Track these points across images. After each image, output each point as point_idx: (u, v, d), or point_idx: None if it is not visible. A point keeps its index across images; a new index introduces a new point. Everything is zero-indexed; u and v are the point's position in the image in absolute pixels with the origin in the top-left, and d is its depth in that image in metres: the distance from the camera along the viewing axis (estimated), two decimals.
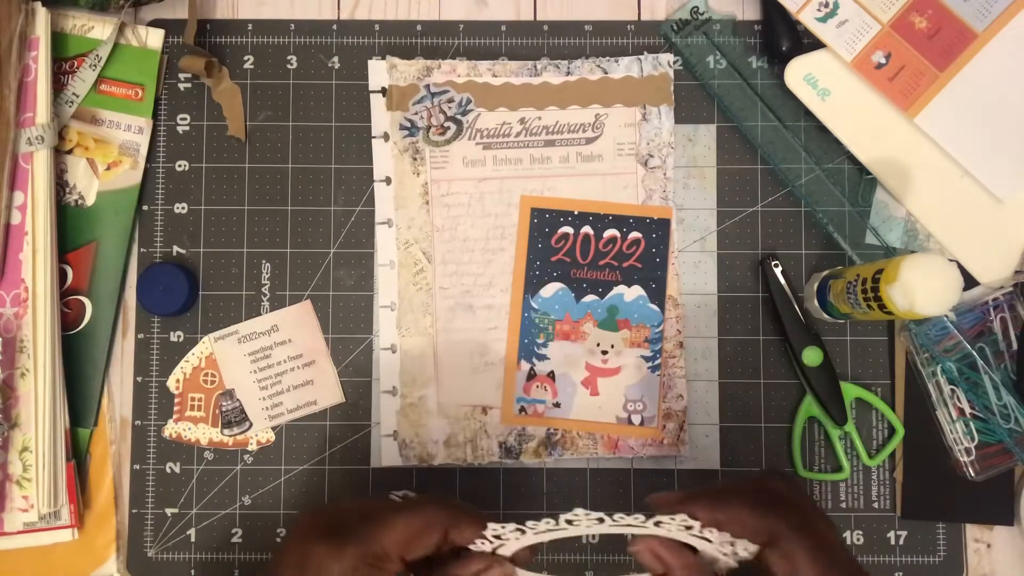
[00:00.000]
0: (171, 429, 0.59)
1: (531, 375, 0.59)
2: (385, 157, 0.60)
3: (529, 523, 0.42)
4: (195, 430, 0.59)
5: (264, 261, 0.61)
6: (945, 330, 0.57)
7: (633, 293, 0.59)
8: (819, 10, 0.59)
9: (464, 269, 0.60)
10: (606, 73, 0.60)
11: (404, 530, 0.42)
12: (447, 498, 0.49)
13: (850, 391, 0.59)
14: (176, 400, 0.60)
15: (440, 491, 0.59)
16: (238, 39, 0.62)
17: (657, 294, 0.59)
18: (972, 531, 0.59)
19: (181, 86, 0.62)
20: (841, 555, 0.42)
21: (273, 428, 0.59)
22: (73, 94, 0.59)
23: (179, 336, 0.60)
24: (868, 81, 0.58)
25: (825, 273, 0.58)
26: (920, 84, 0.57)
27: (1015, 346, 0.57)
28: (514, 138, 0.60)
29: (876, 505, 0.59)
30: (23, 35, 0.57)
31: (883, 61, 0.58)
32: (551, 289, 0.60)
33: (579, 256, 0.60)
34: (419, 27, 0.62)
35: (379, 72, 0.61)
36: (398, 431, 0.59)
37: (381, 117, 0.60)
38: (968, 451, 0.57)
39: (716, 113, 0.61)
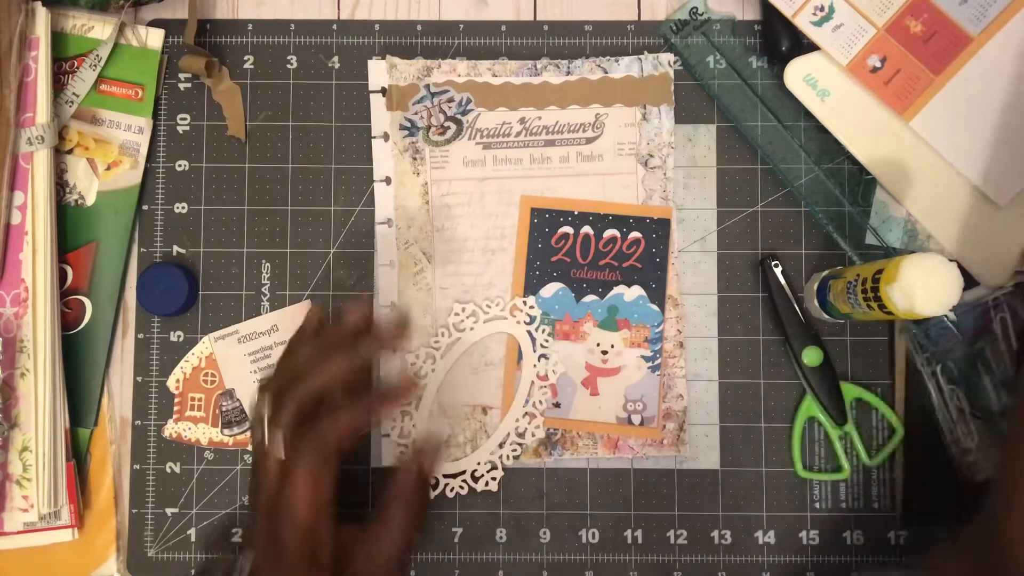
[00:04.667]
0: (171, 429, 0.59)
1: None
2: (385, 157, 0.60)
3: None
4: (195, 430, 0.59)
5: (264, 261, 0.61)
6: (945, 330, 0.57)
7: (633, 293, 0.59)
8: (814, 14, 0.59)
9: (464, 269, 0.60)
10: (606, 73, 0.60)
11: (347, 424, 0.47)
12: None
13: (850, 391, 0.59)
14: (176, 400, 0.60)
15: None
16: (238, 39, 0.62)
17: (657, 294, 0.59)
18: None
19: (181, 86, 0.62)
20: None
21: None
22: (73, 94, 0.59)
23: (179, 336, 0.60)
24: (864, 85, 0.58)
25: (825, 273, 0.58)
26: (915, 88, 0.58)
27: (1015, 346, 0.57)
28: (514, 138, 0.60)
29: (876, 505, 0.59)
30: (23, 35, 0.57)
31: (878, 65, 0.58)
32: (551, 289, 0.60)
33: (579, 256, 0.60)
34: (419, 27, 0.62)
35: (379, 72, 0.61)
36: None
37: (381, 117, 0.61)
38: (968, 451, 0.57)
39: (716, 113, 0.61)
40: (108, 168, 0.60)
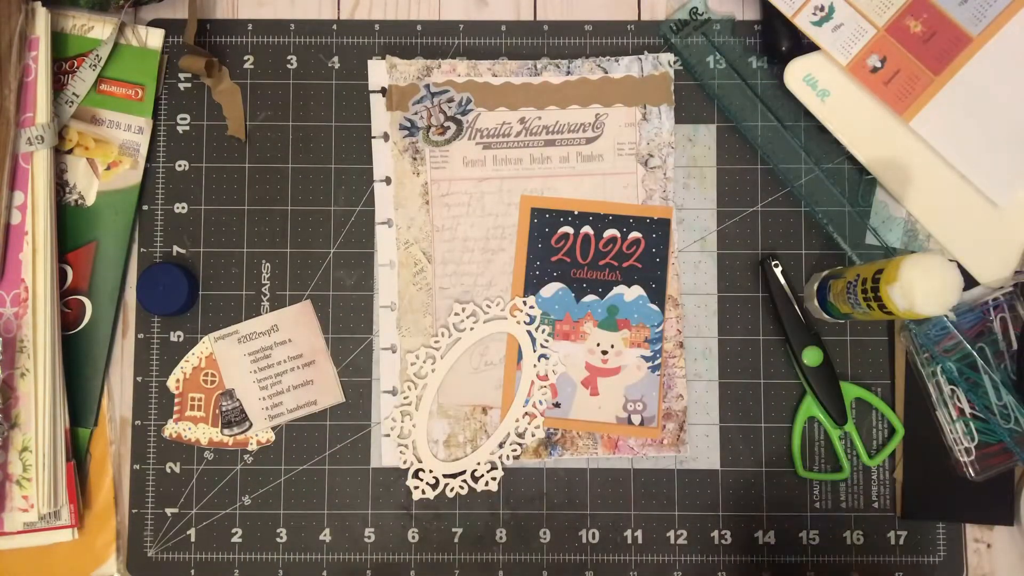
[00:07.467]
0: (171, 429, 0.59)
1: None
2: (385, 157, 0.60)
3: None
4: (195, 430, 0.59)
5: (264, 261, 0.61)
6: (945, 330, 0.57)
7: (633, 293, 0.59)
8: (814, 14, 0.59)
9: (464, 269, 0.60)
10: (606, 73, 0.60)
11: None
12: None
13: (850, 391, 0.59)
14: (176, 400, 0.60)
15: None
16: (238, 39, 0.62)
17: (657, 294, 0.59)
18: (972, 531, 0.59)
19: (181, 86, 0.62)
20: None
21: (273, 428, 0.59)
22: (73, 94, 0.59)
23: (179, 336, 0.60)
24: (864, 85, 0.58)
25: (825, 273, 0.58)
26: (915, 88, 0.58)
27: (1015, 346, 0.57)
28: (514, 138, 0.60)
29: (876, 505, 0.59)
30: (23, 35, 0.57)
31: (878, 65, 0.58)
32: (551, 289, 0.60)
33: (579, 256, 0.60)
34: (419, 27, 0.62)
35: (379, 72, 0.61)
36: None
37: (381, 117, 0.61)
38: (968, 451, 0.57)
39: (716, 113, 0.61)
40: (108, 168, 0.60)
